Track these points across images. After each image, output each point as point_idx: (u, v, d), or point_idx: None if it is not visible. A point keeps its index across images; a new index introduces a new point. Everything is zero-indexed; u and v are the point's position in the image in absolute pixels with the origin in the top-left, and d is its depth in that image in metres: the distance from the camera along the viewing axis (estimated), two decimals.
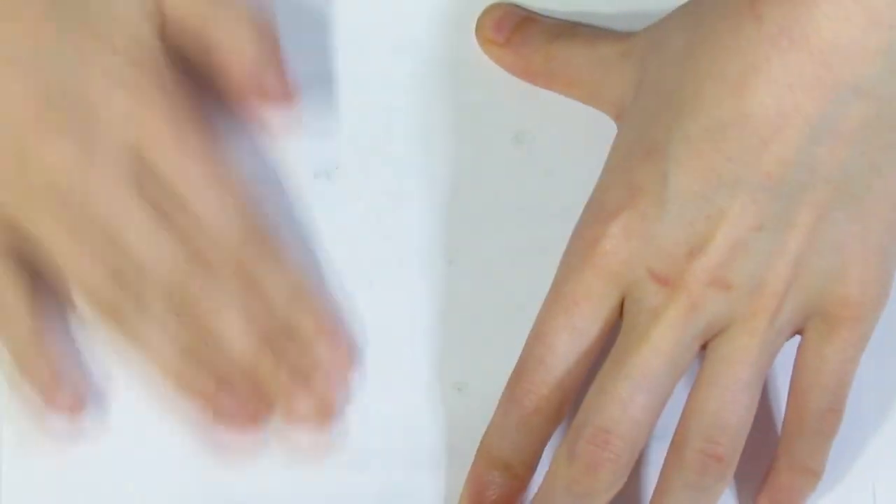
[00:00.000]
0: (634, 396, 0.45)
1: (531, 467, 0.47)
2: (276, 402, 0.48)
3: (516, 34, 0.50)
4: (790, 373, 0.47)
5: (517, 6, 0.51)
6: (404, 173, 0.51)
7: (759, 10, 0.44)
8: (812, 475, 0.47)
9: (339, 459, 0.49)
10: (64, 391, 0.48)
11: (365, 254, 0.50)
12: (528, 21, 0.51)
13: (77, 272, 0.47)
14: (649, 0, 0.51)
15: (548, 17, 0.51)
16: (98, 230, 0.47)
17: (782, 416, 0.47)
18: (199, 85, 0.49)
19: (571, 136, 0.51)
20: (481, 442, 0.47)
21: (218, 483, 0.49)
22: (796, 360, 0.47)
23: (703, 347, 0.46)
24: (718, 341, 0.45)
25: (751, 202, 0.44)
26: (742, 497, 0.49)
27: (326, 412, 0.48)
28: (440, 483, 0.49)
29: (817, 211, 0.45)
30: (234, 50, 0.48)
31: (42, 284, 0.48)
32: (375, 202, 0.51)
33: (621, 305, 0.46)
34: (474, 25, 0.51)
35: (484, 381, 0.49)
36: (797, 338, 0.47)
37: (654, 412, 0.45)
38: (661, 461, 0.46)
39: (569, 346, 0.46)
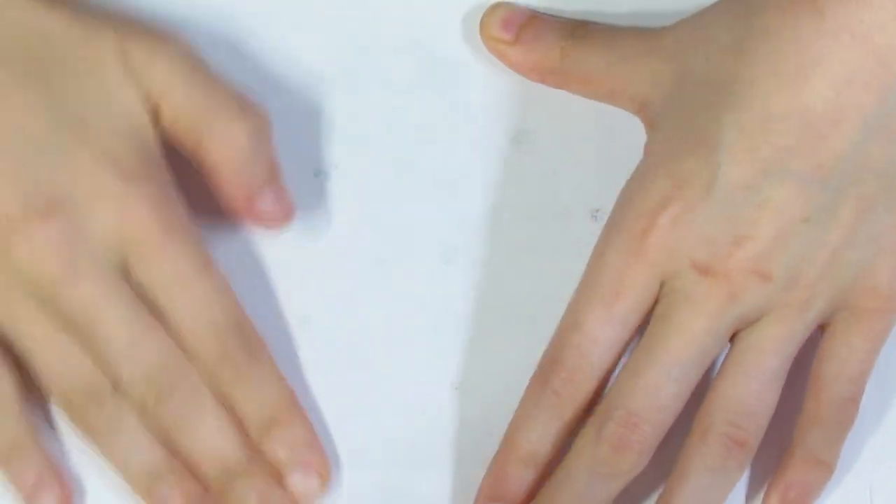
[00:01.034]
0: (665, 384, 0.46)
1: (555, 460, 0.47)
2: None
3: (526, 31, 0.50)
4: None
5: (521, 5, 0.51)
6: (404, 173, 0.51)
7: (820, 5, 0.44)
8: (826, 468, 0.47)
9: (338, 459, 0.49)
10: (48, 496, 0.47)
11: (363, 253, 0.50)
12: (536, 18, 0.50)
13: (53, 376, 0.46)
14: (654, 1, 0.51)
15: (554, 15, 0.51)
16: (76, 332, 0.46)
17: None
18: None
19: (570, 136, 0.51)
20: (507, 436, 0.47)
21: None
22: (821, 349, 0.47)
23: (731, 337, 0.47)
24: (748, 330, 0.46)
25: (800, 193, 0.45)
26: (750, 489, 0.49)
27: None
28: (439, 483, 0.49)
29: (862, 204, 0.45)
30: (229, 172, 0.47)
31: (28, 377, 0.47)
32: (375, 202, 0.51)
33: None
34: (475, 25, 0.51)
35: (482, 380, 0.49)
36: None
37: (682, 399, 0.46)
38: None
39: (609, 336, 0.46)
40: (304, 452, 0.47)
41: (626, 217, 0.47)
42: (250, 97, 0.48)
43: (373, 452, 0.49)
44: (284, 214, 0.48)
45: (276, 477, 0.47)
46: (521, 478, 0.47)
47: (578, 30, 0.50)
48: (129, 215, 0.46)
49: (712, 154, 0.45)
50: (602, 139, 0.51)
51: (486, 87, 0.51)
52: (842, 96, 0.45)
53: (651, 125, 0.49)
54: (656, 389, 0.46)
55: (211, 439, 0.46)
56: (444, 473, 0.49)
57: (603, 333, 0.46)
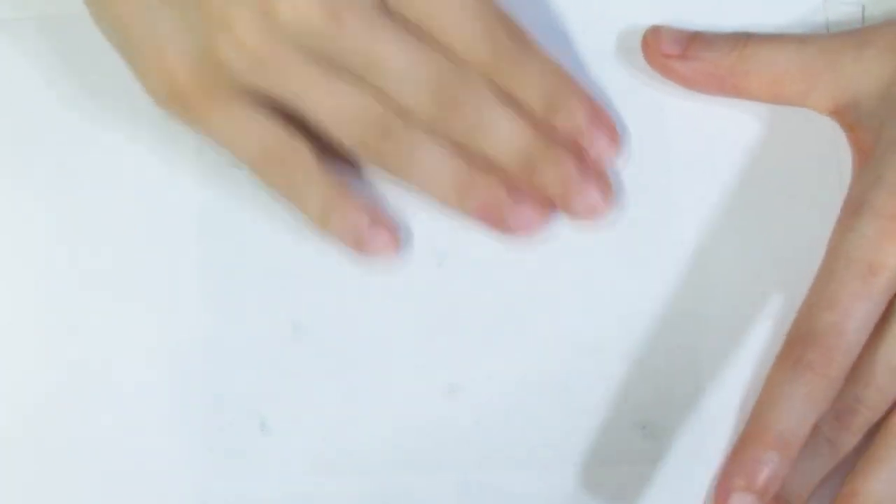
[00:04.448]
0: (891, 380, 0.46)
1: (803, 444, 0.46)
2: (555, 199, 0.49)
3: (696, 42, 0.50)
4: None
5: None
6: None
7: None
8: None
9: (330, 463, 0.49)
10: (377, 237, 0.49)
11: (354, 258, 0.50)
12: (700, 33, 0.50)
13: (342, 125, 0.48)
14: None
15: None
16: (353, 74, 0.47)
17: None
18: None
19: None
20: (753, 421, 0.46)
21: (214, 487, 0.49)
22: None
23: None
24: None
25: None
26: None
27: (605, 196, 0.49)
28: (432, 485, 0.49)
29: None
30: None
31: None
32: None
33: None
34: None
35: (475, 382, 0.49)
36: None
37: None
38: None
39: (865, 313, 0.46)
40: (590, 110, 0.49)
41: (879, 195, 0.46)
42: None
43: (367, 457, 0.49)
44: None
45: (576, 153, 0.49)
46: (772, 464, 0.45)
47: (753, 35, 0.49)
48: None
49: None
50: None
51: None
52: None
53: (856, 125, 0.49)
54: (885, 391, 0.46)
55: (507, 134, 0.48)
56: (439, 477, 0.49)
57: (860, 310, 0.45)
